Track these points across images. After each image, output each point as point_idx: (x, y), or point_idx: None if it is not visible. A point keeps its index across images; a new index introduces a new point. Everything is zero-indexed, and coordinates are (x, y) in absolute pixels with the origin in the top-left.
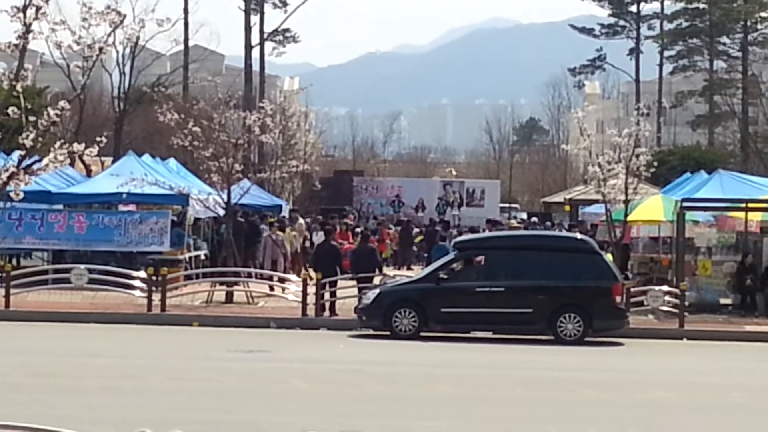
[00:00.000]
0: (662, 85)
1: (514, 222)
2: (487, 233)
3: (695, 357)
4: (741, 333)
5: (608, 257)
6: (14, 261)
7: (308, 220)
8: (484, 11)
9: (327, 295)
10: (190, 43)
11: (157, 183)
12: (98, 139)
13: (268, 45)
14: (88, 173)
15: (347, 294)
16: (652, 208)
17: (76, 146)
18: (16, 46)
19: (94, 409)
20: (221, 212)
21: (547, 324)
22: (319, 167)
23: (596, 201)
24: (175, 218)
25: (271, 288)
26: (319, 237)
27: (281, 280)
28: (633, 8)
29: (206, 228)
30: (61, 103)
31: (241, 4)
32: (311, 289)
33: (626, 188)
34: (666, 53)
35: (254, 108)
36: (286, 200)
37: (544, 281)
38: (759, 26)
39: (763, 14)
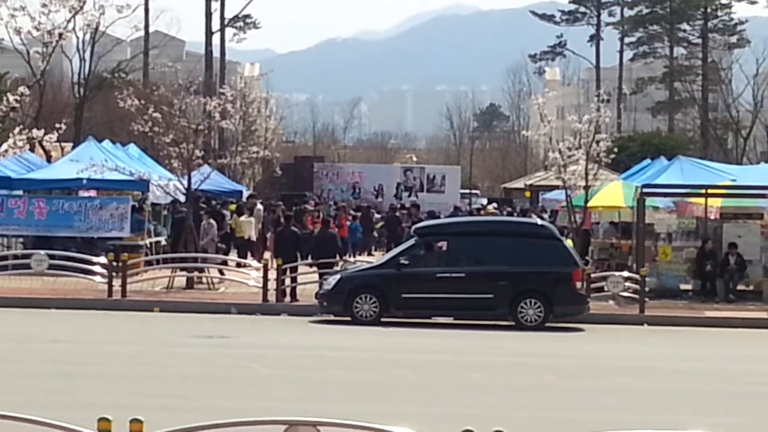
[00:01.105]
0: (622, 71)
1: (490, 208)
2: (449, 219)
3: (655, 342)
4: (701, 318)
5: (568, 243)
6: None
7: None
8: None
9: (287, 281)
10: (151, 29)
11: (117, 169)
12: (58, 125)
13: (229, 31)
14: (48, 159)
15: (308, 280)
16: (613, 194)
17: (35, 132)
18: None
19: (53, 395)
20: (182, 198)
21: (508, 310)
22: (280, 153)
23: (557, 187)
24: (135, 204)
25: (221, 272)
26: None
27: (239, 266)
28: None
29: (166, 213)
30: (21, 89)
31: None
32: (272, 275)
33: (586, 174)
34: (626, 40)
35: (214, 94)
36: (246, 186)
37: (504, 267)
38: (719, 13)
39: (722, 1)
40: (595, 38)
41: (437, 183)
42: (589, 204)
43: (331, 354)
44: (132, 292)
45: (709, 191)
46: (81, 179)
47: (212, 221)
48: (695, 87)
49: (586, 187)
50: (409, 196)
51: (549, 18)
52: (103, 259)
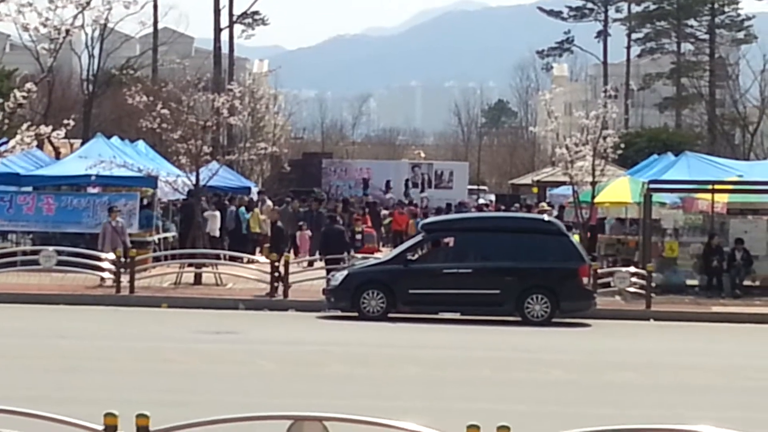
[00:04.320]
0: (630, 67)
1: (545, 205)
2: (456, 215)
3: (662, 338)
4: (707, 314)
5: (575, 239)
6: None
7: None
8: None
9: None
10: (159, 26)
11: (125, 165)
12: (65, 121)
13: (237, 27)
14: (57, 155)
15: (315, 275)
16: (620, 190)
17: (42, 128)
18: None
19: (61, 390)
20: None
21: (515, 305)
22: (288, 149)
23: (564, 183)
24: (145, 200)
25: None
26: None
27: (250, 262)
28: None
29: (175, 210)
30: (28, 85)
31: None
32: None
33: (593, 170)
34: (634, 36)
35: (223, 90)
36: (255, 182)
37: (511, 263)
38: (726, 9)
39: None
40: (603, 34)
41: (445, 179)
42: (596, 200)
43: (338, 349)
44: (140, 288)
45: (716, 187)
46: (89, 176)
47: (120, 220)
48: (702, 83)
49: (593, 183)
50: (421, 191)
51: (556, 14)
52: (111, 255)
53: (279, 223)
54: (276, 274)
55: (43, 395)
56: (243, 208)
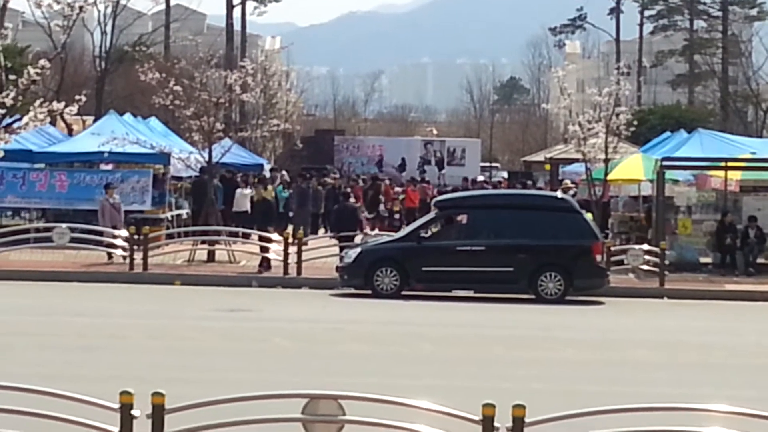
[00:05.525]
0: (642, 44)
1: (568, 182)
2: (470, 192)
3: (675, 316)
4: (721, 292)
5: (588, 216)
6: None
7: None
8: None
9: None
10: (172, 3)
11: (138, 142)
12: (77, 97)
13: (250, 4)
14: (70, 132)
15: (328, 253)
16: (632, 167)
17: (55, 105)
18: None
19: (76, 368)
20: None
21: (528, 283)
22: (301, 126)
23: (576, 160)
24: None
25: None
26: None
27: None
28: None
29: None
30: (42, 62)
31: None
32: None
33: (606, 147)
34: (646, 13)
35: (235, 67)
36: (267, 159)
37: (524, 240)
38: None
39: None
40: (615, 11)
41: (458, 156)
42: (609, 177)
43: (351, 327)
44: (153, 265)
45: (729, 164)
46: (102, 152)
47: (116, 196)
48: (715, 60)
49: (606, 160)
50: (440, 170)
51: None
52: (124, 233)
53: (268, 198)
54: (266, 250)
55: (57, 373)
56: (281, 187)
